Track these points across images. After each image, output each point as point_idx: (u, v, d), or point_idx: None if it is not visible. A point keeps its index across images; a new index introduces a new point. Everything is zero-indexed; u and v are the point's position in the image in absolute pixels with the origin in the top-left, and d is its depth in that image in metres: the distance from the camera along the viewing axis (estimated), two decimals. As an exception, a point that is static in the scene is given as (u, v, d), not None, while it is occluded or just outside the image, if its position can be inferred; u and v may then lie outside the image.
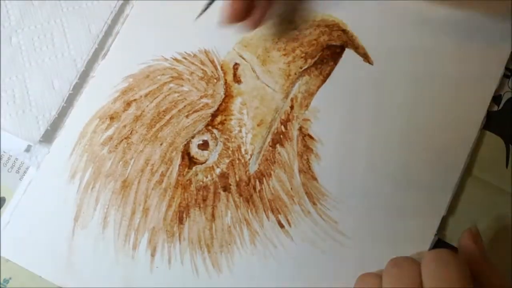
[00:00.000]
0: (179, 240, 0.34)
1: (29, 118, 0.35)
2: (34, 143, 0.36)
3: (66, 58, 0.36)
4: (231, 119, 0.36)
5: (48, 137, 0.36)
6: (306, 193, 0.34)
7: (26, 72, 0.36)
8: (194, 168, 0.35)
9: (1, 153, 0.36)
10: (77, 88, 0.37)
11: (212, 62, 0.37)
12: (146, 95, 0.36)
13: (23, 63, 0.36)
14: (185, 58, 0.37)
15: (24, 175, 0.36)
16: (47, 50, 0.36)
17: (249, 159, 0.35)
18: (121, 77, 0.37)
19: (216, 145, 0.35)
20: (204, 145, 0.35)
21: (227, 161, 0.35)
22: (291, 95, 0.36)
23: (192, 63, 0.37)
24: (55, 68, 0.36)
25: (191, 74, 0.36)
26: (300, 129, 0.35)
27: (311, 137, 0.35)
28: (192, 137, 0.35)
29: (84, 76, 0.37)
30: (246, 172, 0.35)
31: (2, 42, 0.36)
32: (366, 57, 0.36)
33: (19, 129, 0.35)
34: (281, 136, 0.35)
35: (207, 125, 0.36)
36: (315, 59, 0.36)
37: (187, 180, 0.35)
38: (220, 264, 0.33)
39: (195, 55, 0.37)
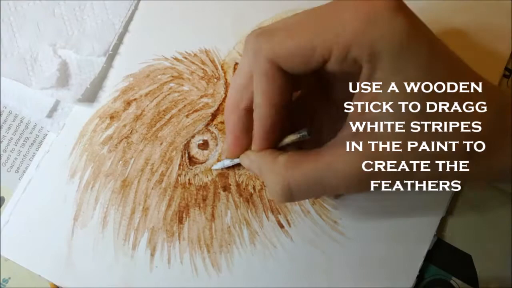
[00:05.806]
0: (179, 239, 0.34)
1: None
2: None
3: (106, 23, 0.38)
4: (231, 119, 0.36)
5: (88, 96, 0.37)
6: (306, 193, 0.34)
7: (69, 41, 0.37)
8: (194, 168, 0.35)
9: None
10: (115, 49, 0.38)
11: (212, 61, 0.37)
12: (146, 95, 0.36)
13: (66, 32, 0.37)
14: (186, 58, 0.37)
15: (23, 174, 0.36)
16: (88, 19, 0.38)
17: (249, 159, 0.35)
18: (122, 76, 0.37)
19: (216, 144, 0.35)
20: (204, 145, 0.35)
21: (227, 160, 0.35)
22: (291, 95, 0.36)
23: (193, 63, 0.37)
24: (95, 33, 0.38)
25: (192, 74, 0.36)
26: (301, 128, 0.35)
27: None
28: (192, 137, 0.35)
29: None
30: (246, 172, 0.35)
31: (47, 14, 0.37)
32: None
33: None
34: (281, 135, 0.35)
35: (207, 124, 0.36)
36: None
37: (187, 180, 0.35)
38: (220, 264, 0.33)
39: (195, 55, 0.37)
